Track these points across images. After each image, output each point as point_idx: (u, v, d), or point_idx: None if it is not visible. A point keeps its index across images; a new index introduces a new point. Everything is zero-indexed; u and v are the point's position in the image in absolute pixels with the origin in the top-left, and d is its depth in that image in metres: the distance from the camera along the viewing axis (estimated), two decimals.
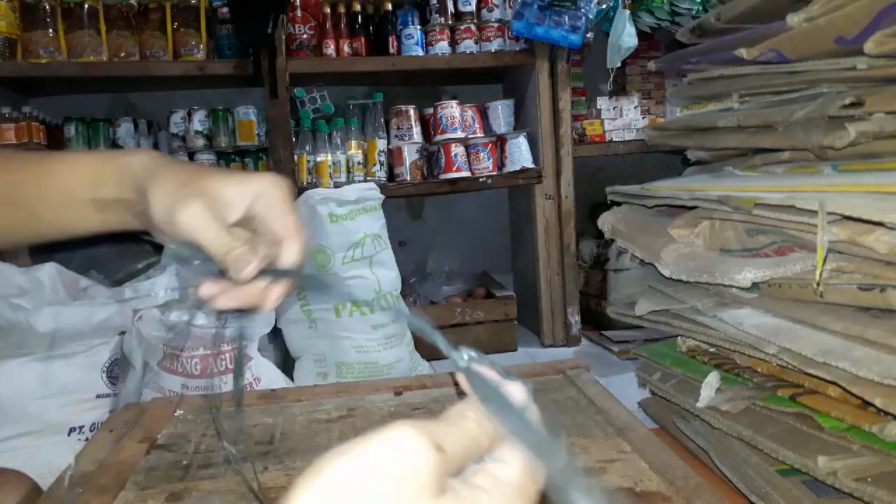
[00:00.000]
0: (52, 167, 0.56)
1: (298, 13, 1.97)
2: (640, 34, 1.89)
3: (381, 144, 2.00)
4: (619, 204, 1.32)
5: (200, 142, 1.99)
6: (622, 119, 2.18)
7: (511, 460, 0.29)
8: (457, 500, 0.27)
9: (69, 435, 1.25)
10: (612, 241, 1.32)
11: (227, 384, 1.33)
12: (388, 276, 1.50)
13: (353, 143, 1.99)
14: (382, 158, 2.00)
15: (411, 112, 2.03)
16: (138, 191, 0.51)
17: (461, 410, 0.30)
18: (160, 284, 1.33)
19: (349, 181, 1.93)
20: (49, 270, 1.36)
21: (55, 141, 1.94)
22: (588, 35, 1.81)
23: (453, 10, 2.09)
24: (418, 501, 0.26)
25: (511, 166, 2.02)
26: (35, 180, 0.56)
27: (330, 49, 1.99)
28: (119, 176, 0.53)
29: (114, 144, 2.01)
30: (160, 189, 0.50)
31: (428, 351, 1.57)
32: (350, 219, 1.48)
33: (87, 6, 1.85)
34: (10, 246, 0.59)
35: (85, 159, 0.57)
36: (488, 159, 2.02)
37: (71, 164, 0.56)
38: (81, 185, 0.54)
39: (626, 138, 2.17)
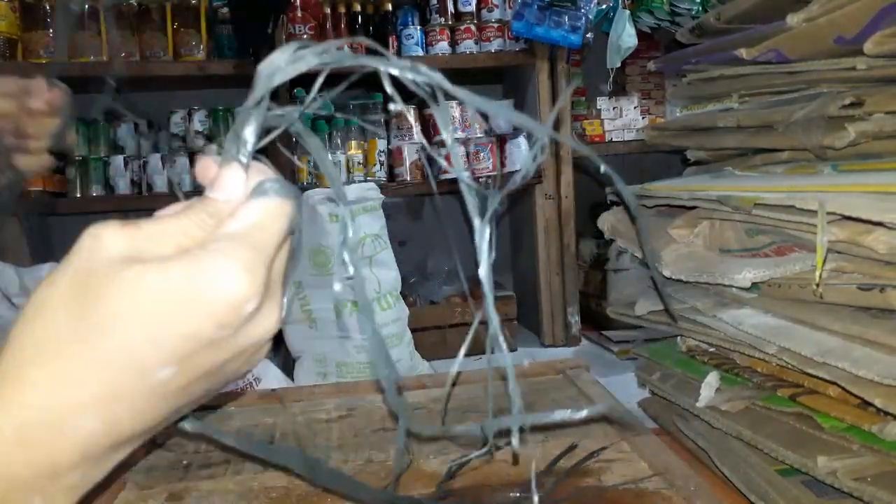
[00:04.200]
0: None
1: (298, 13, 1.97)
2: (640, 34, 1.89)
3: (381, 144, 2.00)
4: (619, 204, 1.32)
5: (200, 142, 2.00)
6: (622, 119, 2.18)
7: (243, 214, 0.30)
8: (186, 261, 0.27)
9: None
10: (612, 241, 1.32)
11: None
12: (388, 276, 1.50)
13: (353, 143, 1.99)
14: (382, 158, 2.00)
15: (411, 112, 2.03)
16: None
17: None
18: None
19: (349, 181, 1.93)
20: (49, 270, 1.36)
21: None
22: (588, 35, 1.80)
23: (453, 11, 2.09)
24: (119, 268, 0.26)
25: (511, 166, 2.02)
26: None
27: None
28: None
29: (114, 144, 2.01)
30: None
31: (428, 351, 1.57)
32: (350, 219, 1.48)
33: (87, 6, 1.85)
34: None
35: None
36: (488, 159, 2.02)
37: None
38: None
39: (626, 138, 2.17)
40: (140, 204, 2.03)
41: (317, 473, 0.48)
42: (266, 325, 0.30)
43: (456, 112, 2.01)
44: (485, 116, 2.10)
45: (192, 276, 0.27)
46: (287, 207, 0.31)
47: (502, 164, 2.04)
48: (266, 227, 0.30)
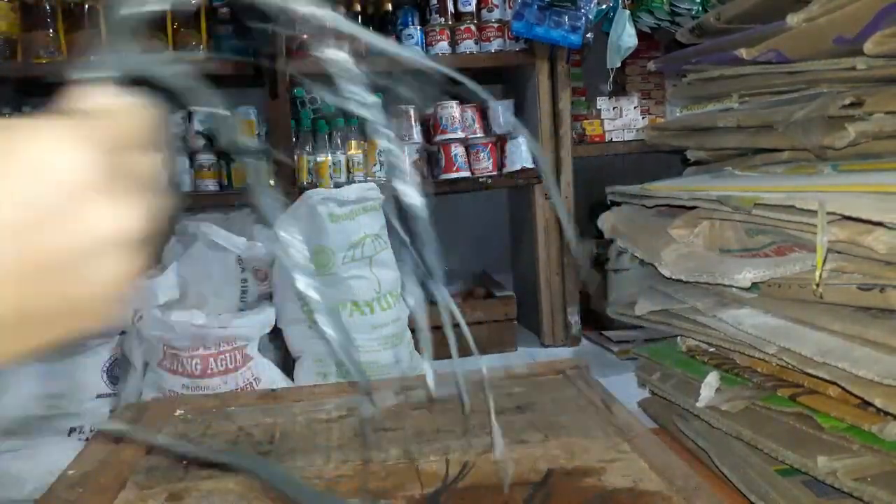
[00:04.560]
0: None
1: None
2: (640, 34, 1.89)
3: (382, 144, 2.00)
4: (619, 204, 1.32)
5: (200, 142, 1.99)
6: (622, 119, 2.18)
7: (87, 100, 0.28)
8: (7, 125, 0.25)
9: (69, 435, 1.25)
10: (612, 241, 1.32)
11: (226, 384, 1.33)
12: (388, 276, 1.50)
13: (353, 143, 1.99)
14: (383, 158, 2.00)
15: (411, 112, 2.03)
16: None
17: None
18: (160, 284, 1.33)
19: (349, 181, 1.93)
20: None
21: None
22: (588, 35, 1.80)
23: (453, 11, 2.09)
24: None
25: (511, 166, 2.02)
26: None
27: None
28: None
29: None
30: None
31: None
32: (350, 219, 1.48)
33: (87, 6, 1.85)
34: None
35: None
36: (488, 159, 2.02)
37: None
38: None
39: (626, 138, 2.17)
40: None
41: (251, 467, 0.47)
42: (108, 218, 0.26)
43: (456, 112, 2.01)
44: (484, 117, 2.09)
45: (11, 135, 0.25)
46: (146, 110, 0.29)
47: (502, 164, 2.04)
48: (110, 113, 0.28)
